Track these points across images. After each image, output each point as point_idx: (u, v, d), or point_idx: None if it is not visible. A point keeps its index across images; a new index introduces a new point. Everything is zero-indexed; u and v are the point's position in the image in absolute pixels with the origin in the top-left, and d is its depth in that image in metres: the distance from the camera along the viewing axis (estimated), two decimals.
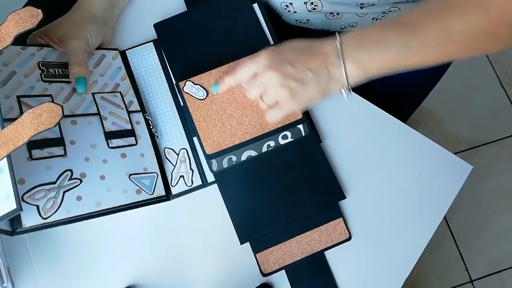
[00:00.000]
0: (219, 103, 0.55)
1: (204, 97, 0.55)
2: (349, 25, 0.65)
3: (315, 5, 0.60)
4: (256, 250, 0.53)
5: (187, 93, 0.55)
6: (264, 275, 0.53)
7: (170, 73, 0.59)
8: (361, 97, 0.59)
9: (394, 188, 0.56)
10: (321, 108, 0.59)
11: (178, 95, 0.58)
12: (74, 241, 0.54)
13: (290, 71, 0.48)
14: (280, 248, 0.53)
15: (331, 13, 0.61)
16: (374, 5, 0.58)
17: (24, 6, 0.59)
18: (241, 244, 0.53)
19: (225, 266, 0.53)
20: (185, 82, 0.56)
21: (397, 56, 0.47)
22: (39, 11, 0.40)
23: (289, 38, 0.66)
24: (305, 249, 0.53)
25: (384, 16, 0.62)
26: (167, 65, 0.59)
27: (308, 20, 0.65)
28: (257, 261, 0.53)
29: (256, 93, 0.52)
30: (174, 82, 0.58)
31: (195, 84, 0.55)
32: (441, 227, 1.25)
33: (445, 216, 1.23)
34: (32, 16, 0.40)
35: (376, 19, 0.64)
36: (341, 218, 0.54)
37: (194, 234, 0.55)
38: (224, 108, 0.55)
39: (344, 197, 0.55)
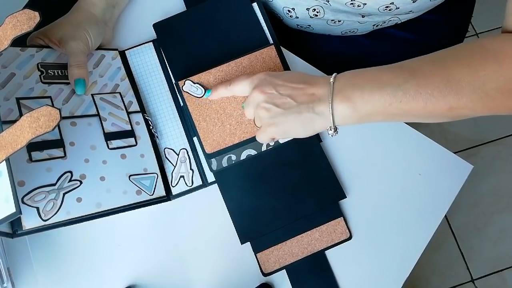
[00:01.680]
0: (218, 102, 0.55)
1: (202, 95, 0.55)
2: (349, 31, 0.65)
3: (317, 12, 0.60)
4: (256, 250, 0.53)
5: (187, 92, 0.55)
6: (264, 274, 0.53)
7: (170, 73, 0.59)
8: None
9: (394, 187, 0.56)
10: None
11: (178, 95, 0.58)
12: (74, 241, 0.54)
13: (274, 94, 0.47)
14: (281, 247, 0.53)
15: (332, 20, 0.61)
16: (376, 14, 0.58)
17: (24, 7, 0.59)
18: (241, 244, 0.53)
19: (225, 266, 0.53)
20: (185, 81, 0.56)
21: (392, 99, 0.43)
22: (36, 13, 0.40)
23: (289, 40, 0.66)
24: (305, 248, 0.53)
25: (384, 22, 0.62)
26: (167, 65, 0.59)
27: (309, 25, 0.65)
28: (257, 261, 0.53)
29: (249, 112, 0.51)
30: (173, 81, 0.58)
31: (195, 83, 0.55)
32: (442, 226, 1.25)
33: (446, 216, 1.23)
34: (29, 19, 0.39)
35: (377, 26, 0.63)
36: (342, 218, 0.54)
37: (194, 234, 0.55)
38: (223, 107, 0.55)
39: (345, 197, 0.54)
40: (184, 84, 0.56)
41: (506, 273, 1.23)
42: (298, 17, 0.63)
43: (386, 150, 0.57)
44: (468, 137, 1.34)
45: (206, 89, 0.55)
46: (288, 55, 0.60)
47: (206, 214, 0.55)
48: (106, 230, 0.54)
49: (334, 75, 0.47)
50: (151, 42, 0.60)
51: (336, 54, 0.70)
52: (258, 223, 0.53)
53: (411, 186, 0.56)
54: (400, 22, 0.64)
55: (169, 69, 0.59)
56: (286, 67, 0.57)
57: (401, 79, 0.43)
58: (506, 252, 1.25)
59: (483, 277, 1.23)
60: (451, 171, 0.56)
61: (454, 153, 0.57)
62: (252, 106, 0.50)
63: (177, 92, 0.58)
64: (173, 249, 0.54)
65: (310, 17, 0.62)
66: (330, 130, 0.47)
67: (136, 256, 0.54)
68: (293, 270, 0.53)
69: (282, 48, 0.59)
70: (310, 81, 0.47)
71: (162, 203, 0.54)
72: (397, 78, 0.43)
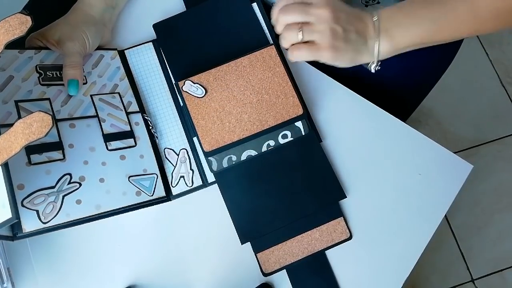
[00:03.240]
0: (218, 101, 0.55)
1: (203, 95, 0.55)
2: None
3: None
4: (257, 250, 0.53)
5: (186, 92, 0.55)
6: (265, 274, 0.53)
7: (170, 73, 0.59)
8: (361, 97, 0.59)
9: (394, 187, 0.56)
10: (321, 108, 0.58)
11: (178, 95, 0.58)
12: (74, 242, 0.54)
13: (343, 20, 0.47)
14: (281, 247, 0.53)
15: None
16: (379, 2, 0.57)
17: (24, 8, 0.58)
18: (241, 244, 0.53)
19: (225, 266, 0.54)
20: (184, 82, 0.55)
21: (427, 32, 0.48)
22: (28, 18, 0.40)
23: None
24: (305, 248, 0.53)
25: None
26: (167, 65, 0.59)
27: None
28: (258, 261, 0.53)
29: (298, 18, 0.48)
30: (173, 81, 0.58)
31: (194, 83, 0.55)
32: (442, 226, 1.25)
33: (446, 215, 1.23)
34: (21, 24, 0.39)
35: None
36: (342, 218, 0.54)
37: (194, 234, 0.55)
38: (223, 105, 0.55)
39: (345, 196, 0.54)
40: (184, 84, 0.55)
41: (506, 272, 1.23)
42: None
43: (386, 149, 0.57)
44: (468, 137, 1.34)
45: (206, 89, 0.55)
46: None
47: (206, 214, 0.55)
48: (106, 230, 0.54)
49: (375, 14, 0.49)
50: (151, 42, 0.60)
51: None
52: (258, 223, 0.53)
53: (411, 185, 0.56)
54: None
55: (169, 69, 0.59)
56: (286, 66, 0.57)
57: (435, 14, 0.48)
58: (506, 251, 1.25)
59: (483, 277, 1.23)
60: (451, 171, 0.56)
61: (454, 153, 0.57)
62: (316, 20, 0.47)
63: (177, 92, 0.58)
64: (173, 249, 0.54)
65: None
66: (373, 64, 0.50)
67: (136, 256, 0.54)
68: (293, 270, 0.53)
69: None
70: (360, 14, 0.49)
71: (163, 203, 0.54)
72: (432, 13, 0.48)
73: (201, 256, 0.54)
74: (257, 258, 0.53)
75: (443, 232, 1.26)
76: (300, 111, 0.54)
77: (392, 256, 0.54)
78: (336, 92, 0.59)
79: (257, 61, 0.56)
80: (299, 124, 0.55)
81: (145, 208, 0.52)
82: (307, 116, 0.56)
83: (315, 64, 0.60)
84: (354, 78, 0.67)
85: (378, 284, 0.53)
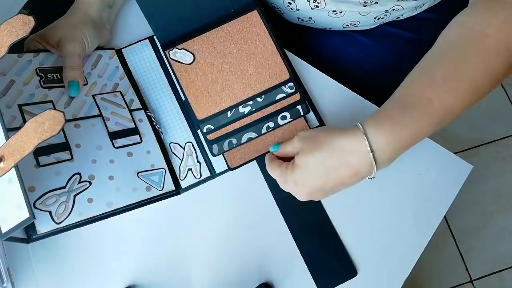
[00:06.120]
0: (207, 67, 0.56)
1: (191, 62, 0.55)
2: (351, 24, 0.64)
3: (318, 3, 0.59)
4: (225, 150, 0.56)
5: (174, 59, 0.56)
6: (231, 168, 0.55)
7: (160, 49, 0.58)
8: (362, 97, 0.58)
9: (394, 187, 0.55)
10: (321, 106, 0.58)
11: (167, 63, 0.58)
12: (74, 241, 0.53)
13: (324, 191, 0.46)
14: (246, 146, 0.56)
15: (333, 11, 0.60)
16: (377, 3, 0.57)
17: (23, 7, 0.58)
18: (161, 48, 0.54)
19: (225, 266, 0.53)
20: (172, 49, 0.56)
21: (423, 137, 0.44)
22: (31, 18, 0.40)
23: (290, 38, 0.65)
24: (269, 145, 0.56)
25: (386, 15, 0.61)
26: (149, 24, 0.56)
27: (311, 18, 0.64)
28: (224, 158, 0.56)
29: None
30: (158, 45, 0.58)
31: (182, 50, 0.56)
32: (441, 226, 1.23)
33: (445, 216, 1.23)
34: (24, 24, 0.39)
35: (378, 18, 0.62)
36: (302, 118, 0.56)
37: (193, 234, 0.54)
38: (212, 71, 0.55)
39: None
40: (172, 51, 0.56)
41: (505, 273, 1.22)
42: (298, 9, 0.62)
43: None
44: (468, 137, 1.33)
45: (194, 55, 0.56)
46: (292, 57, 0.59)
47: (212, 208, 0.55)
48: (106, 229, 0.54)
49: (368, 145, 0.42)
50: (147, 39, 0.60)
51: (337, 53, 0.69)
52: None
53: (411, 186, 0.55)
54: (402, 17, 0.63)
55: (155, 37, 0.58)
56: (271, 31, 0.57)
57: (437, 125, 0.43)
58: (505, 252, 1.24)
59: (482, 277, 1.22)
60: (451, 171, 0.55)
61: (454, 153, 0.56)
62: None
63: (165, 61, 0.58)
64: (173, 249, 0.54)
65: (311, 8, 0.60)
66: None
67: (136, 255, 0.53)
68: (262, 162, 0.54)
69: (285, 49, 0.59)
70: (351, 165, 0.44)
71: (163, 200, 0.54)
72: (433, 124, 0.43)
73: (201, 255, 0.54)
74: (224, 157, 0.56)
75: (442, 233, 1.25)
76: (287, 75, 0.55)
77: (392, 256, 0.53)
78: (336, 93, 0.59)
79: (243, 27, 0.57)
80: (298, 106, 0.56)
81: (143, 208, 0.51)
82: (304, 100, 0.56)
83: (316, 63, 0.60)
84: (354, 78, 0.67)
85: (378, 284, 0.53)
